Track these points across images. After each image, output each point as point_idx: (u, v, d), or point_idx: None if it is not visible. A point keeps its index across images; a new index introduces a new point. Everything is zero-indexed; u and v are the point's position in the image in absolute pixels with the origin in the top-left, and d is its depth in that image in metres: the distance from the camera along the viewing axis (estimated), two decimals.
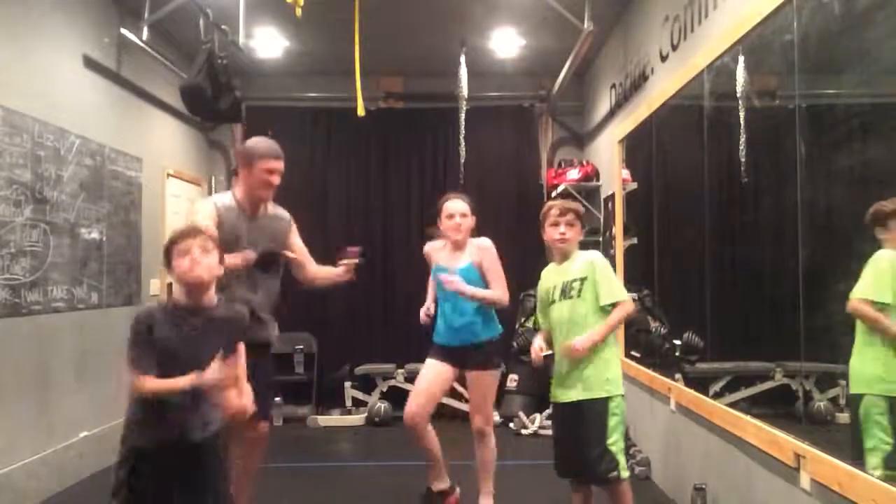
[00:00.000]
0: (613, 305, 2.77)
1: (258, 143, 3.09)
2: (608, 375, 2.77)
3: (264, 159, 3.00)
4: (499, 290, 3.29)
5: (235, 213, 2.99)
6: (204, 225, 2.64)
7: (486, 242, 3.37)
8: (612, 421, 2.74)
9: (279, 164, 3.04)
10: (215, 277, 2.19)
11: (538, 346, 2.94)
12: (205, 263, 2.13)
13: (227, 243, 2.78)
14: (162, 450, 2.09)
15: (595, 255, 2.87)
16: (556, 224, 2.85)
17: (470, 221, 3.37)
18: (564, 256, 2.90)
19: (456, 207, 3.35)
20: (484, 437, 3.34)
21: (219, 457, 2.26)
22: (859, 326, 2.09)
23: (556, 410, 2.95)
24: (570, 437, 2.83)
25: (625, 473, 2.75)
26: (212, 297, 2.20)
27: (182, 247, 2.12)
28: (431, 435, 3.36)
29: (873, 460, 1.99)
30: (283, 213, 3.22)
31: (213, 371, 2.04)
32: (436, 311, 3.45)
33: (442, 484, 3.45)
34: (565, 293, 2.84)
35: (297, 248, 3.21)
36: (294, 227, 3.23)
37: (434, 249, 3.48)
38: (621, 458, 2.74)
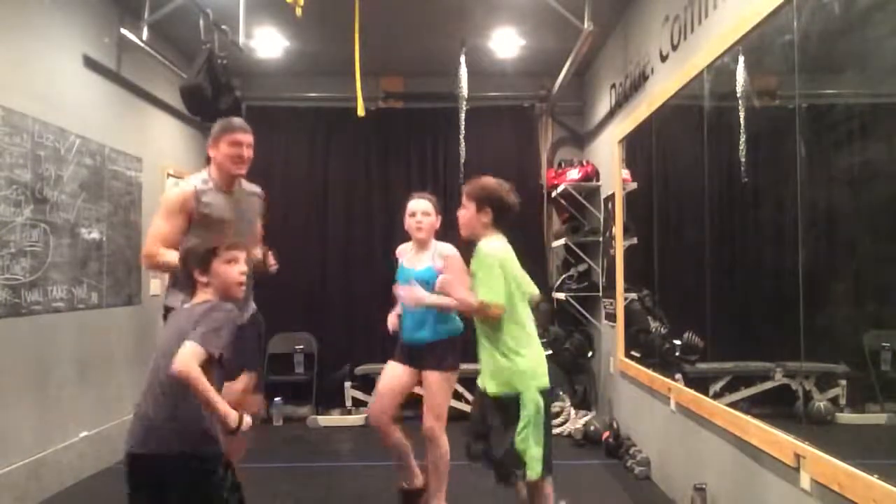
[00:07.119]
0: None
1: (220, 121, 3.03)
2: (518, 368, 2.66)
3: (227, 132, 2.94)
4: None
5: (213, 191, 2.94)
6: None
7: (449, 250, 3.33)
8: (524, 416, 2.60)
9: (246, 136, 2.97)
10: None
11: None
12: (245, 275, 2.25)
13: (215, 226, 2.81)
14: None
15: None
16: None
17: (432, 221, 3.35)
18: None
19: (417, 206, 3.35)
20: (433, 440, 3.25)
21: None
22: None
23: (476, 394, 2.94)
24: (480, 425, 2.80)
25: (533, 474, 2.57)
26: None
27: (231, 255, 2.20)
28: (398, 434, 3.36)
29: None
30: (256, 188, 3.18)
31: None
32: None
33: (415, 482, 3.46)
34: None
35: (259, 228, 3.20)
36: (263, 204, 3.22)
37: (403, 250, 3.49)
38: (531, 455, 2.57)
